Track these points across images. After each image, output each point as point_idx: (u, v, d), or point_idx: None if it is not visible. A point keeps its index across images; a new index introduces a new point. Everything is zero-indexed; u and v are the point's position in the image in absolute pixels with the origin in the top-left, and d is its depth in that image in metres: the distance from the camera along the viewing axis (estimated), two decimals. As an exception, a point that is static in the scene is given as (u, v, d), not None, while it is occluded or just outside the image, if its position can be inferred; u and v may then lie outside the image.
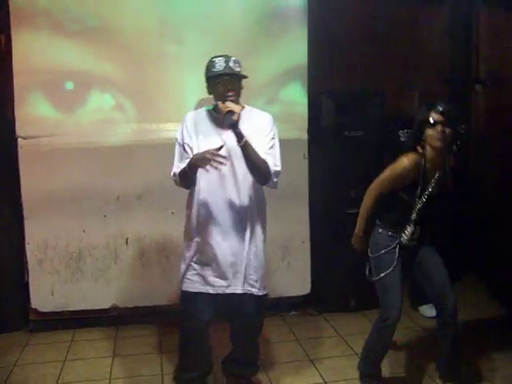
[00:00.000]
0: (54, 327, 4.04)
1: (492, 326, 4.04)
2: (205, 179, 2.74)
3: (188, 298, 2.85)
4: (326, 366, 3.47)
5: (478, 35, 5.25)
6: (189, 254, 2.86)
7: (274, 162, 2.74)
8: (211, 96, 2.81)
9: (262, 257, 2.89)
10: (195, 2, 4.00)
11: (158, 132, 3.96)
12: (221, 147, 2.58)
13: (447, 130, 2.74)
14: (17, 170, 3.85)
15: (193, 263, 2.84)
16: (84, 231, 4.01)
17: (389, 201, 2.94)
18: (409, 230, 2.91)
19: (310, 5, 4.16)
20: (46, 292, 4.00)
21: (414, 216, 2.89)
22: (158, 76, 3.97)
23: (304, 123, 4.21)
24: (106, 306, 4.09)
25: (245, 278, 2.81)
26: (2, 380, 3.32)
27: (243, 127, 2.63)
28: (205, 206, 2.77)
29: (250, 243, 2.82)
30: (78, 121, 3.92)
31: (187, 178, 2.77)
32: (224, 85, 2.69)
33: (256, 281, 2.84)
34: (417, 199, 2.86)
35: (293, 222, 4.23)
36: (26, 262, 3.97)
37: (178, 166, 2.79)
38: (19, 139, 3.85)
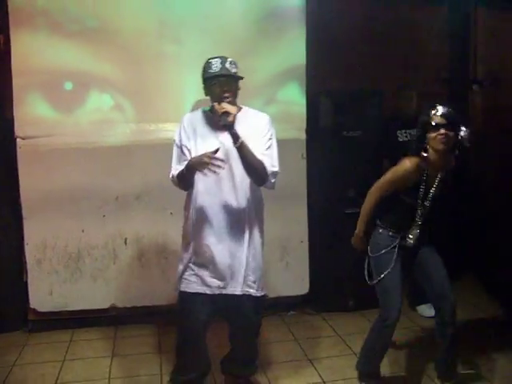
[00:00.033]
0: (53, 327, 4.04)
1: (491, 325, 4.05)
2: (202, 181, 2.73)
3: (185, 298, 2.84)
4: (324, 366, 3.48)
5: (475, 36, 5.27)
6: (186, 255, 2.85)
7: (271, 162, 2.73)
8: (208, 97, 2.80)
9: (260, 258, 2.89)
10: (194, 2, 4.01)
11: (156, 132, 3.97)
12: (217, 150, 2.57)
13: (450, 133, 2.73)
14: (15, 170, 3.85)
15: (190, 264, 2.83)
16: (83, 231, 4.01)
17: (390, 202, 2.94)
18: (414, 232, 2.93)
19: (309, 5, 4.17)
20: (45, 292, 4.00)
21: (419, 219, 2.90)
22: (156, 76, 3.98)
23: (302, 123, 4.22)
24: (105, 305, 4.09)
25: (243, 279, 2.80)
26: (1, 380, 3.32)
27: (240, 128, 2.62)
28: (202, 207, 2.77)
29: (247, 245, 2.81)
30: (77, 121, 3.93)
31: (185, 181, 2.78)
32: (220, 86, 2.68)
33: (254, 282, 2.84)
34: (419, 201, 2.86)
35: (291, 221, 4.24)
36: (25, 262, 3.97)
37: (176, 169, 2.79)
38: (18, 139, 3.86)
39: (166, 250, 4.06)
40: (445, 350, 3.03)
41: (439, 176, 2.86)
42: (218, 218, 2.76)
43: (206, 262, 2.79)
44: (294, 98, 4.22)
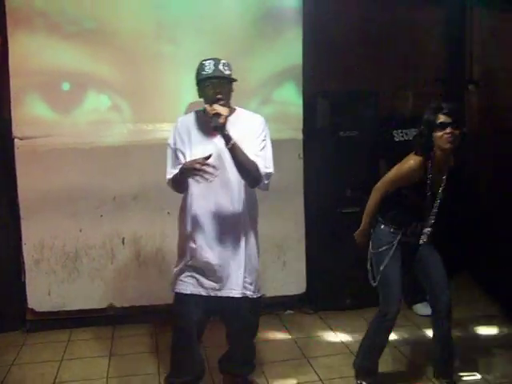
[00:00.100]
0: (51, 327, 4.05)
1: (486, 323, 4.07)
2: (197, 184, 2.71)
3: (181, 299, 2.84)
4: (321, 364, 3.49)
5: (471, 36, 5.29)
6: (182, 257, 2.85)
7: (264, 163, 2.71)
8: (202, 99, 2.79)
9: (255, 259, 2.89)
10: (190, 3, 4.02)
11: (153, 132, 3.98)
12: (209, 156, 2.55)
13: (456, 132, 2.74)
14: (13, 170, 3.86)
15: (186, 266, 2.82)
16: (80, 231, 4.02)
17: (393, 199, 2.95)
18: (425, 231, 2.95)
19: (306, 6, 4.19)
20: (43, 292, 4.01)
21: (431, 217, 2.92)
22: (153, 77, 3.99)
23: (299, 123, 4.23)
24: (103, 305, 4.10)
25: (239, 281, 2.79)
26: (-1, 379, 3.34)
27: (234, 130, 2.61)
28: (197, 210, 2.76)
29: (243, 247, 2.81)
30: (75, 121, 3.94)
31: (180, 185, 2.78)
32: (213, 88, 2.67)
33: (250, 283, 2.84)
34: (428, 200, 2.88)
35: (288, 221, 4.26)
36: (23, 262, 3.98)
37: (171, 173, 2.78)
38: (16, 140, 3.86)
39: (164, 249, 4.07)
40: (441, 347, 3.06)
41: (445, 176, 2.88)
42: (213, 220, 2.75)
43: (201, 264, 2.78)
44: (291, 98, 4.23)
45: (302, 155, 4.25)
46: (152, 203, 4.02)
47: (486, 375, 3.29)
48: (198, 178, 2.57)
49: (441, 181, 2.88)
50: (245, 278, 2.81)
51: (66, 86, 3.89)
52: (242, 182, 2.73)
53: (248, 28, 4.10)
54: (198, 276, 2.80)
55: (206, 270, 2.78)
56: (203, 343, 3.09)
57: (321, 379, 3.31)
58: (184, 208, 2.84)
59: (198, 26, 3.99)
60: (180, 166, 2.70)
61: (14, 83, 3.80)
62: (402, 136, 4.23)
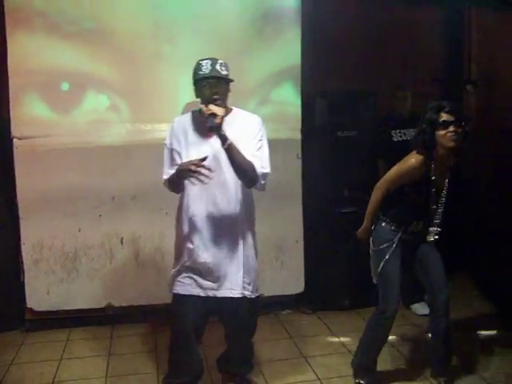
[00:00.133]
0: (50, 326, 4.06)
1: (482, 323, 4.08)
2: (193, 184, 2.69)
3: (179, 300, 2.84)
4: (319, 364, 3.50)
5: (469, 36, 5.30)
6: (179, 257, 2.85)
7: (261, 164, 2.70)
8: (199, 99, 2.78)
9: (253, 259, 2.89)
10: (189, 3, 4.03)
11: (152, 132, 3.98)
12: (205, 158, 2.56)
13: (459, 130, 2.74)
14: (12, 170, 3.86)
15: (184, 267, 2.82)
16: (79, 231, 4.03)
17: (394, 197, 2.96)
18: (433, 230, 2.96)
19: (305, 6, 4.20)
20: (42, 291, 4.02)
21: (437, 217, 2.93)
22: (152, 77, 4.00)
23: (297, 123, 4.24)
24: (102, 305, 4.11)
25: (237, 281, 2.79)
26: (-2, 379, 3.35)
27: (230, 130, 2.61)
28: (194, 211, 2.76)
29: (241, 247, 2.81)
30: (74, 121, 3.94)
31: (176, 185, 2.78)
32: (210, 88, 2.66)
33: (249, 283, 2.83)
34: (432, 198, 2.88)
35: (286, 221, 4.26)
36: (22, 261, 3.98)
37: (168, 173, 2.79)
38: (15, 139, 3.87)
39: (162, 249, 4.08)
40: (438, 345, 3.07)
41: (446, 174, 2.89)
42: (210, 220, 2.75)
43: (199, 264, 2.78)
44: (289, 98, 4.24)
45: (300, 155, 4.25)
46: (151, 203, 4.03)
47: (483, 373, 3.30)
48: (193, 179, 2.57)
49: (443, 179, 2.89)
50: (243, 278, 2.81)
51: (64, 86, 3.90)
52: (239, 182, 2.73)
53: (246, 28, 4.11)
54: (195, 277, 2.80)
55: (203, 271, 2.78)
56: (202, 343, 3.09)
57: (319, 378, 3.32)
58: (181, 208, 2.84)
59: (196, 25, 3.99)
60: (176, 166, 2.70)
61: (13, 83, 3.80)
62: (401, 136, 4.25)
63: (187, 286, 2.81)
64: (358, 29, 4.81)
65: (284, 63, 4.18)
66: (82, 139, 3.94)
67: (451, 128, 2.73)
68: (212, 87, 2.67)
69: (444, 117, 2.75)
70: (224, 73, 2.71)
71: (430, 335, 3.17)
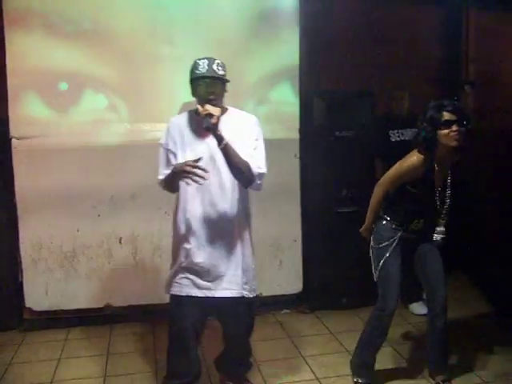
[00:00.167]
0: (49, 326, 4.06)
1: (480, 322, 4.10)
2: (189, 184, 2.67)
3: (177, 301, 2.83)
4: (318, 363, 3.50)
5: (467, 36, 5.30)
6: (177, 258, 2.84)
7: (257, 164, 2.70)
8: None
9: (250, 259, 2.88)
10: (187, 4, 4.04)
11: (150, 132, 3.98)
12: (199, 159, 2.56)
13: (462, 129, 2.73)
14: (11, 170, 3.87)
15: (181, 268, 2.81)
16: (78, 231, 4.04)
17: (395, 195, 2.97)
18: (439, 229, 2.97)
19: (303, 7, 4.21)
20: (40, 291, 4.03)
21: (443, 216, 2.93)
22: (150, 77, 4.01)
23: (295, 123, 4.25)
24: (100, 304, 4.12)
25: (237, 280, 2.79)
26: (-3, 378, 3.35)
27: (226, 130, 2.61)
28: (191, 211, 2.75)
29: (238, 247, 2.80)
30: (72, 121, 3.95)
31: (171, 185, 2.78)
32: (206, 87, 2.66)
33: (246, 283, 2.83)
34: (433, 197, 2.89)
35: (284, 220, 4.28)
36: (20, 261, 3.99)
37: (163, 173, 2.77)
38: (13, 139, 3.88)
39: (161, 248, 4.09)
40: (435, 344, 3.08)
41: (450, 174, 2.89)
42: (207, 220, 2.74)
43: (196, 264, 2.77)
44: (287, 98, 4.26)
45: (298, 155, 4.27)
46: (149, 203, 4.03)
47: (481, 372, 3.31)
48: (188, 180, 2.57)
49: (444, 177, 2.89)
50: (242, 277, 2.81)
51: (63, 86, 3.91)
52: (236, 182, 2.73)
53: (245, 28, 4.12)
54: (192, 277, 2.79)
55: (200, 271, 2.77)
56: (200, 343, 3.09)
57: (317, 378, 3.32)
58: (177, 209, 2.83)
59: (195, 26, 4.00)
60: (172, 166, 2.70)
61: (12, 83, 3.81)
62: (398, 136, 4.26)
63: (184, 286, 2.80)
64: (356, 29, 4.83)
65: (282, 63, 4.20)
66: (81, 139, 3.95)
67: (454, 127, 2.72)
68: (208, 87, 2.66)
69: (446, 116, 2.74)
70: (220, 73, 2.70)
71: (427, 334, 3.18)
